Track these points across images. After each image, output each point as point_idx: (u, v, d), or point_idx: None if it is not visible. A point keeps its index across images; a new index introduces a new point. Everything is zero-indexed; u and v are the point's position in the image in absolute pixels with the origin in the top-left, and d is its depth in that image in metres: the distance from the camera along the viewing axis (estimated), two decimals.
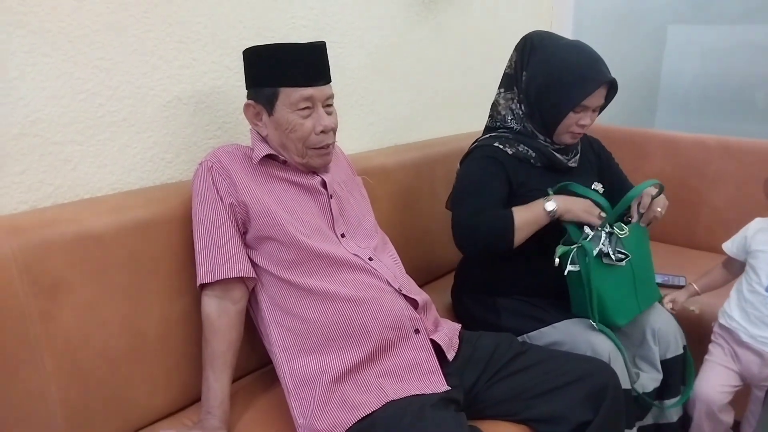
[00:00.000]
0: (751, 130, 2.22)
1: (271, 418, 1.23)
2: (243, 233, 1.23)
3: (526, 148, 1.49)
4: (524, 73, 1.49)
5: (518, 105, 1.51)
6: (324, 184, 1.30)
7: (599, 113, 1.51)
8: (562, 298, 1.47)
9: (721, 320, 1.51)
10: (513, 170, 1.47)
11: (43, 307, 1.02)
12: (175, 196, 1.25)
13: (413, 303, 1.25)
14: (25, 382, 1.01)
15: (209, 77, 1.40)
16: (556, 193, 1.44)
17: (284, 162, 1.27)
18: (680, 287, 1.85)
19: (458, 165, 1.56)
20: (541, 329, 1.44)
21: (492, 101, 1.59)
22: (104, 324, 1.11)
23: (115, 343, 1.12)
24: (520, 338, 1.42)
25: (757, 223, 1.49)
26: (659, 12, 2.51)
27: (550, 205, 1.40)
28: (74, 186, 1.21)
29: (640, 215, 1.46)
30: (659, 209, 1.46)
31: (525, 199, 1.44)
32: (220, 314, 1.19)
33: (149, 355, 1.18)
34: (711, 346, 1.54)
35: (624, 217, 1.49)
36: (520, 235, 1.39)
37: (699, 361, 1.54)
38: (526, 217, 1.40)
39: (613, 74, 1.44)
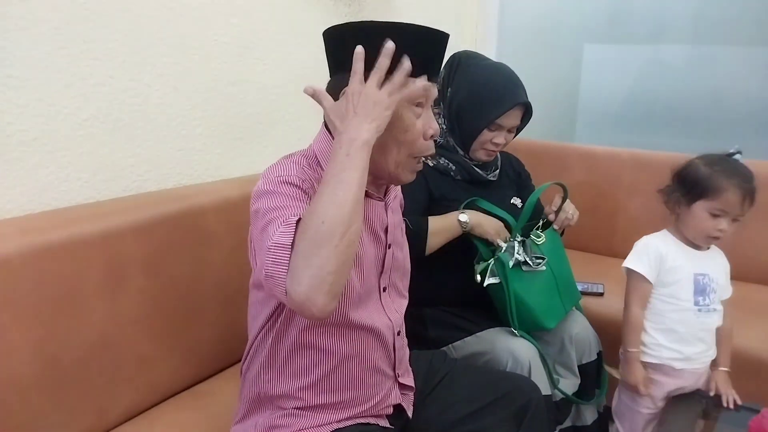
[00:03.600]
0: (661, 143, 2.36)
1: None
2: None
3: (446, 161, 1.53)
4: (449, 89, 1.54)
5: (442, 120, 1.55)
6: (386, 230, 1.11)
7: (515, 135, 1.57)
8: (488, 307, 1.51)
9: (649, 359, 1.45)
10: (434, 182, 1.52)
11: None
12: (91, 217, 1.22)
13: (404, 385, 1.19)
14: None
15: (128, 95, 1.37)
16: (465, 208, 1.50)
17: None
18: (599, 294, 1.94)
19: None
20: (465, 339, 1.48)
21: None
22: (12, 351, 1.06)
23: (25, 371, 1.08)
24: (445, 348, 1.46)
25: (659, 239, 1.47)
26: (576, 31, 2.64)
27: (464, 216, 1.46)
28: None
29: (556, 213, 1.52)
30: (570, 212, 1.54)
31: (444, 210, 1.49)
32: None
33: (63, 382, 1.14)
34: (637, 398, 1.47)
35: (541, 221, 1.55)
36: (433, 241, 1.43)
37: (614, 360, 1.59)
38: (440, 225, 1.45)
39: (535, 90, 1.49)
